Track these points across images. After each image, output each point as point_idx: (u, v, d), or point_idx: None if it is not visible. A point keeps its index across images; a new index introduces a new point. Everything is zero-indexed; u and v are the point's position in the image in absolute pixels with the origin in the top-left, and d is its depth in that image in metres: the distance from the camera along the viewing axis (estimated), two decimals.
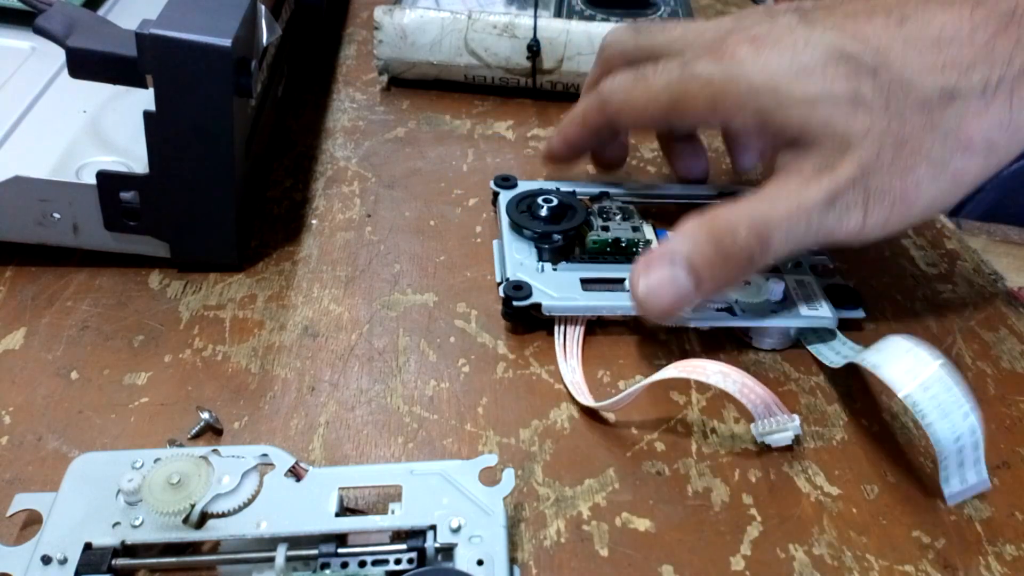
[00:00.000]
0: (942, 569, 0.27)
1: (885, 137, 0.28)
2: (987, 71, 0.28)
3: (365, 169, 0.45)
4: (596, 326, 0.35)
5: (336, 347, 0.34)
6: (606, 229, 0.37)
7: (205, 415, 0.30)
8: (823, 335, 0.35)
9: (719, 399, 0.33)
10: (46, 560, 0.24)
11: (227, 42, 0.31)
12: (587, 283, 0.35)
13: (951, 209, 0.45)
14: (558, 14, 0.53)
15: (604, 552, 0.27)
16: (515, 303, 0.34)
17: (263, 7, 0.36)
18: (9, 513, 0.25)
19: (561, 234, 0.37)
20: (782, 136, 0.31)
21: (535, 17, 0.50)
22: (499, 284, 0.37)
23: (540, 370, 0.33)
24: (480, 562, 0.24)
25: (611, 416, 0.32)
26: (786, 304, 0.35)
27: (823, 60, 0.29)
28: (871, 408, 0.33)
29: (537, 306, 0.34)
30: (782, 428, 0.30)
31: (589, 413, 0.32)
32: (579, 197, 0.40)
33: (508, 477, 0.26)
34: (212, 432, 0.30)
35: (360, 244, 0.40)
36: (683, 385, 0.33)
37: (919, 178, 0.29)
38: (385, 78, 0.53)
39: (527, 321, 0.35)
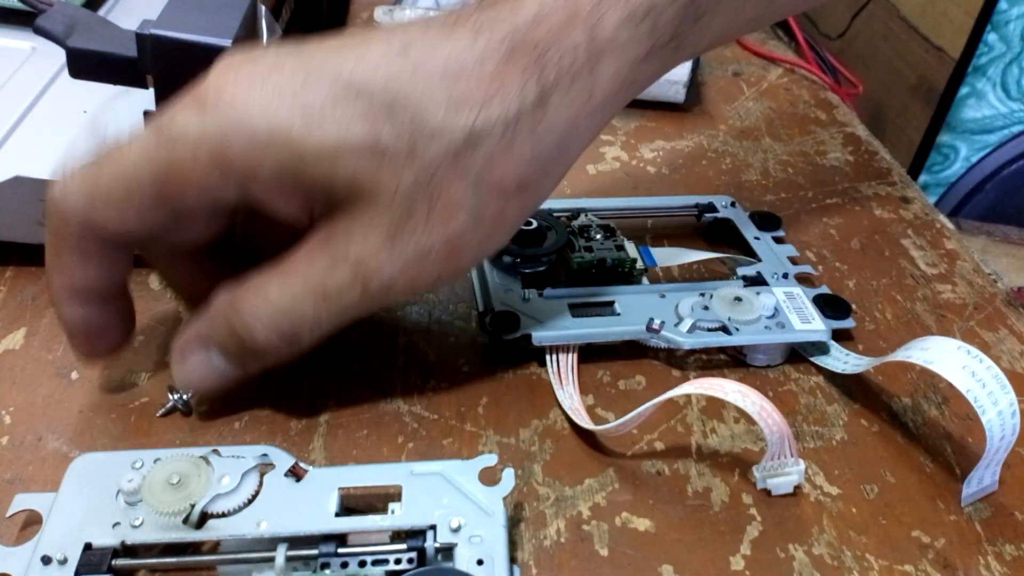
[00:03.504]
0: (942, 569, 0.27)
1: (415, 192, 0.25)
2: (504, 106, 0.25)
3: None
4: (587, 352, 0.34)
5: (336, 347, 0.34)
6: (589, 250, 0.36)
7: (174, 396, 0.30)
8: (819, 346, 0.34)
9: (719, 399, 0.33)
10: (46, 560, 0.24)
11: (227, 42, 0.31)
12: (575, 308, 0.34)
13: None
14: None
15: (604, 552, 0.27)
16: (505, 336, 0.32)
17: (263, 7, 0.36)
18: (9, 513, 0.25)
19: (544, 257, 0.36)
20: (314, 199, 0.26)
21: None
22: (481, 315, 0.35)
23: (539, 370, 0.33)
24: (480, 562, 0.24)
25: (611, 416, 0.32)
26: (778, 319, 0.34)
27: (331, 97, 0.24)
28: (871, 408, 0.33)
29: (526, 337, 0.33)
30: (786, 472, 0.29)
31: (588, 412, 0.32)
32: (555, 215, 0.38)
33: (508, 477, 0.26)
34: (181, 413, 0.30)
35: None
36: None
37: (461, 229, 0.26)
38: None
39: (515, 352, 0.34)
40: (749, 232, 0.40)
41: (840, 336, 0.35)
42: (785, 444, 0.28)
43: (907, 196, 0.46)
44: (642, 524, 0.28)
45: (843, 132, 0.52)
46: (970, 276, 0.40)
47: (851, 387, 0.34)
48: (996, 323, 0.38)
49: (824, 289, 0.36)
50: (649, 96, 0.52)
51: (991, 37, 0.74)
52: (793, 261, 0.38)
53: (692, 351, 0.34)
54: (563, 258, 0.36)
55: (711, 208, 0.41)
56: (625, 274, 0.36)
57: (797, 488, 0.29)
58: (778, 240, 0.39)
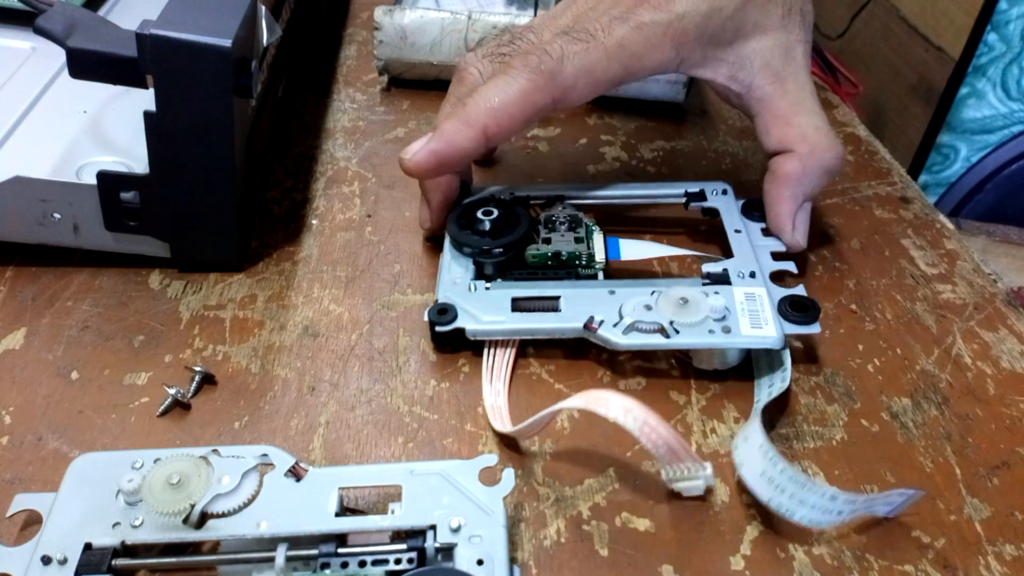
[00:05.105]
0: (941, 569, 0.27)
1: None
2: None
3: (365, 169, 0.45)
4: (529, 346, 0.34)
5: (336, 347, 0.34)
6: (548, 241, 0.36)
7: (172, 391, 0.30)
8: (773, 357, 0.33)
9: (719, 399, 0.33)
10: (46, 560, 0.24)
11: (227, 42, 0.31)
12: (519, 302, 0.33)
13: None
14: None
15: (604, 552, 0.27)
16: (437, 328, 0.32)
17: (263, 7, 0.36)
18: (9, 513, 0.26)
19: (501, 249, 0.35)
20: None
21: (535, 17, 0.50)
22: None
23: (540, 370, 0.33)
24: (480, 562, 0.24)
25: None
26: (725, 322, 0.32)
27: None
28: (871, 408, 0.33)
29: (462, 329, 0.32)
30: (691, 476, 0.28)
31: (588, 413, 0.32)
32: (532, 203, 0.38)
33: (508, 477, 0.26)
34: (180, 407, 0.30)
35: (360, 244, 0.40)
36: (683, 385, 0.33)
37: None
38: (385, 78, 0.53)
39: (457, 344, 0.33)
40: (731, 224, 0.38)
41: (815, 342, 0.35)
42: (676, 454, 0.27)
43: (907, 196, 0.46)
44: (642, 524, 0.28)
45: (843, 132, 0.52)
46: (970, 276, 0.40)
47: (851, 387, 0.34)
48: (996, 323, 0.38)
49: (799, 290, 0.34)
50: (649, 96, 0.52)
51: (991, 37, 0.74)
52: (776, 256, 0.36)
53: (639, 356, 0.34)
54: (525, 248, 0.36)
55: (700, 196, 0.40)
56: (582, 268, 0.36)
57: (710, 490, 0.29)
58: (767, 232, 0.38)
